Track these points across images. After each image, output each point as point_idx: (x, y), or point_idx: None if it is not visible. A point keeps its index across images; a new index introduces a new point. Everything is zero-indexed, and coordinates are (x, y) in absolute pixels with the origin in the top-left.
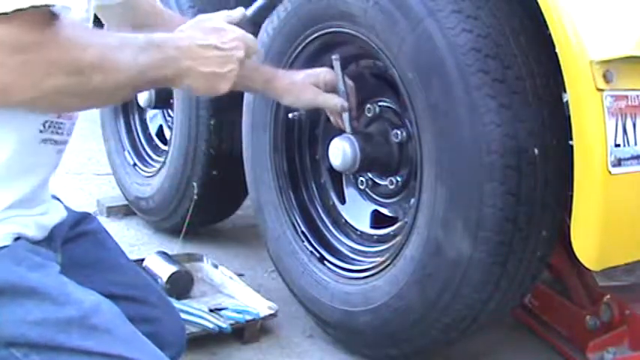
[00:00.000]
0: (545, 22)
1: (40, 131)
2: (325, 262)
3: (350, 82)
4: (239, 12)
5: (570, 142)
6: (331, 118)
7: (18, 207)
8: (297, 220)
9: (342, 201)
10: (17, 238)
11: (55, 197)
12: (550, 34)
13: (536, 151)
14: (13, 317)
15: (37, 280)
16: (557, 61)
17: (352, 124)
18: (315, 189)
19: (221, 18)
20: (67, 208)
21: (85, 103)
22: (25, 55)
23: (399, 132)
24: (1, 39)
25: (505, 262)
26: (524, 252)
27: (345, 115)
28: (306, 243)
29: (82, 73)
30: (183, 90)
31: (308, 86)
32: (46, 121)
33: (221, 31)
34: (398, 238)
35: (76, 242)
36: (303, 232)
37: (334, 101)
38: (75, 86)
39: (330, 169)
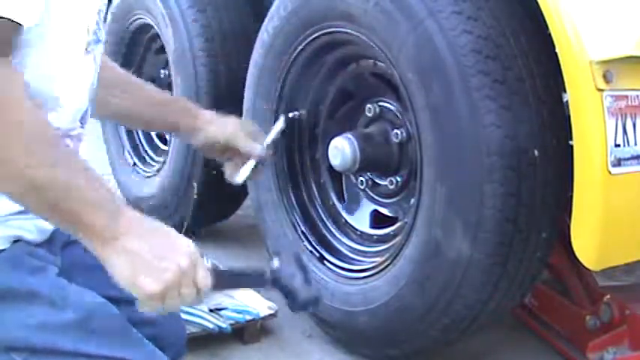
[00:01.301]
0: (545, 22)
1: None
2: (325, 261)
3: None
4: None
5: (570, 143)
6: (227, 164)
7: (18, 212)
8: (296, 220)
9: (342, 201)
10: (16, 241)
11: None
12: (550, 35)
13: (536, 152)
14: (13, 321)
15: (37, 283)
16: (558, 61)
17: (248, 176)
18: (314, 189)
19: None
20: None
21: None
22: None
23: (399, 132)
24: None
25: (505, 262)
26: (523, 252)
27: (251, 163)
28: (305, 243)
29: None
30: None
31: (234, 122)
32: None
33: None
34: (398, 239)
35: (76, 244)
36: (302, 231)
37: (255, 144)
38: None
39: (330, 168)
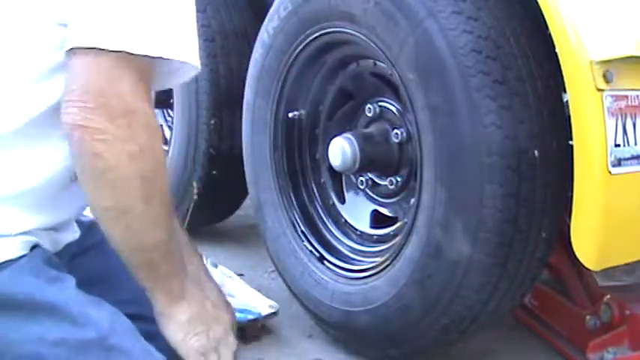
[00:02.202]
0: (545, 22)
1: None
2: (325, 261)
3: None
4: None
5: (570, 143)
6: None
7: (37, 227)
8: (296, 220)
9: (342, 201)
10: (34, 247)
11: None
12: (550, 35)
13: (536, 152)
14: (30, 335)
15: (56, 295)
16: (558, 61)
17: None
18: (314, 189)
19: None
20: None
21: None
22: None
23: (399, 132)
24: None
25: (505, 263)
26: (523, 253)
27: None
28: (305, 242)
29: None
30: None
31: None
32: None
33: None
34: (398, 239)
35: (81, 258)
36: (302, 231)
37: None
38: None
39: (330, 168)
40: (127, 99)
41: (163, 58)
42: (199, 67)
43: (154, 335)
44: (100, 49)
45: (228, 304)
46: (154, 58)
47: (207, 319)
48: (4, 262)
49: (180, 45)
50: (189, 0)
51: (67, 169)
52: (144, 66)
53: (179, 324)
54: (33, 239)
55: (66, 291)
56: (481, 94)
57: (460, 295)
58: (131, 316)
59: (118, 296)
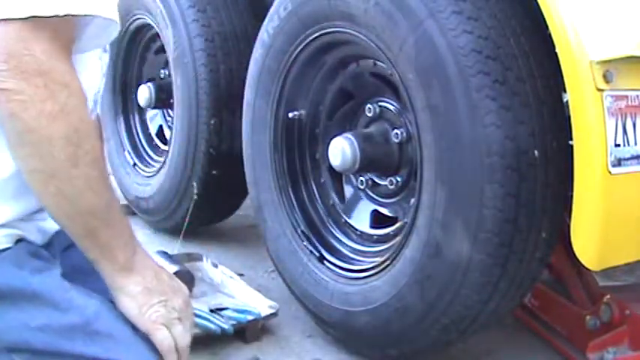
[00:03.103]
0: (545, 22)
1: None
2: (325, 261)
3: None
4: None
5: (570, 143)
6: None
7: (20, 218)
8: (296, 220)
9: (342, 201)
10: (18, 240)
11: None
12: (550, 35)
13: (536, 152)
14: (15, 323)
15: (40, 283)
16: (558, 62)
17: None
18: (315, 188)
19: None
20: None
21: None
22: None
23: (399, 132)
24: None
25: (505, 263)
26: (523, 253)
27: None
28: (305, 242)
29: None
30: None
31: None
32: None
33: (178, 292)
34: (398, 239)
35: (75, 248)
36: (302, 231)
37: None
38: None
39: (330, 168)
40: (41, 58)
41: (72, 15)
42: (117, 20)
43: None
44: (8, 19)
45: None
46: (62, 16)
47: (165, 290)
48: None
49: (90, 1)
50: None
51: None
52: (57, 25)
53: (132, 296)
54: (17, 232)
55: (49, 279)
56: (481, 94)
57: (460, 295)
58: None
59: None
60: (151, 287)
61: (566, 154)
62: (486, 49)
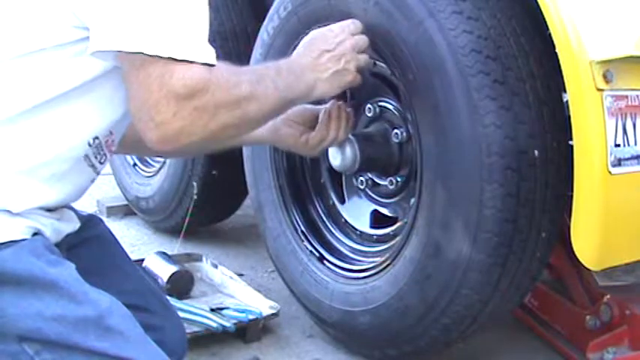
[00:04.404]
0: (545, 22)
1: (89, 144)
2: (325, 261)
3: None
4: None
5: (570, 143)
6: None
7: (39, 207)
8: (296, 220)
9: (342, 201)
10: (35, 234)
11: (69, 207)
12: (550, 35)
13: (536, 152)
14: (30, 310)
15: (57, 275)
16: (558, 62)
17: None
18: (314, 189)
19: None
20: (74, 209)
21: (241, 132)
22: (196, 102)
23: (398, 132)
24: (174, 89)
25: (505, 263)
26: (523, 253)
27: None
28: (305, 242)
29: (239, 107)
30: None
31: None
32: (96, 138)
33: (325, 35)
34: (398, 238)
35: (80, 248)
36: (302, 231)
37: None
38: (235, 120)
39: (330, 168)
40: (183, 88)
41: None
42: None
43: (152, 327)
44: (149, 55)
45: None
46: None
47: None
48: (7, 242)
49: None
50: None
51: (84, 143)
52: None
53: (325, 80)
54: (36, 225)
55: (66, 272)
56: (481, 94)
57: (460, 294)
58: (131, 307)
59: (118, 286)
60: (304, 52)
61: (566, 154)
62: (486, 49)
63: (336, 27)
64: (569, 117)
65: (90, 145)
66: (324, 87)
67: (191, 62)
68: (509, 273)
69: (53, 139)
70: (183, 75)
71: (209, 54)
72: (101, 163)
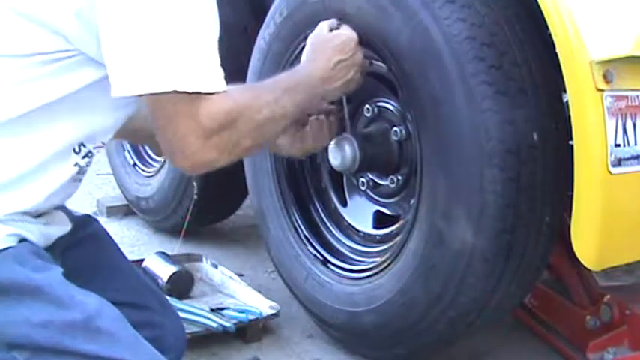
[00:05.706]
0: (545, 22)
1: (75, 151)
2: (329, 264)
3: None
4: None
5: (570, 143)
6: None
7: (22, 212)
8: (299, 225)
9: (344, 204)
10: (21, 241)
11: (61, 207)
12: (545, 22)
13: (535, 135)
14: (17, 318)
15: (43, 280)
16: (553, 47)
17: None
18: (316, 193)
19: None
20: (67, 210)
21: (262, 149)
22: (224, 134)
23: (398, 130)
24: (202, 124)
25: (508, 250)
26: (527, 239)
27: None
28: (309, 247)
29: (262, 131)
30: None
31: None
32: (82, 144)
33: (339, 45)
34: (400, 235)
35: (76, 248)
36: (305, 236)
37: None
38: (258, 141)
39: (331, 172)
40: (210, 122)
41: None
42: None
43: (151, 324)
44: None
45: None
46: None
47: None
48: None
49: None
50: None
51: (67, 152)
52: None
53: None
54: (20, 232)
55: (51, 276)
56: (477, 79)
57: (465, 284)
58: (130, 304)
59: (111, 284)
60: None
61: (565, 139)
62: (481, 36)
63: (344, 34)
64: (569, 117)
65: (76, 152)
66: (332, 95)
67: (213, 93)
68: (514, 261)
69: (38, 147)
70: (209, 110)
71: (222, 80)
72: (87, 165)
